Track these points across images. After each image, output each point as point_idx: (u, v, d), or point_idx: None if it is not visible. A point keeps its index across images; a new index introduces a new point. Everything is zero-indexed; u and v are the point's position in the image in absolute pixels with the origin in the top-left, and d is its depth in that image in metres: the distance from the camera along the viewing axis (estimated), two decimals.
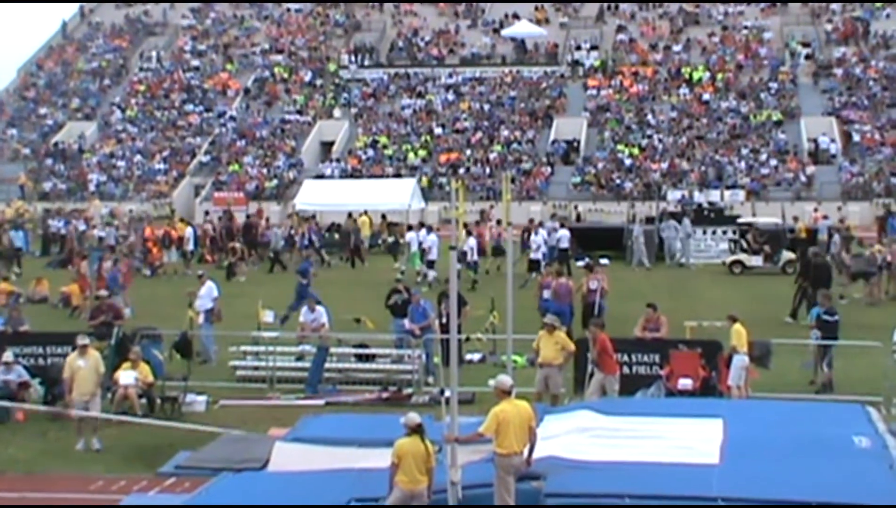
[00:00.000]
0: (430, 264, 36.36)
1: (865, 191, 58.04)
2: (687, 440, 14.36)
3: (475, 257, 36.22)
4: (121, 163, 68.39)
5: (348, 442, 15.42)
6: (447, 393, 13.28)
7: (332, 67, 76.13)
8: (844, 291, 31.69)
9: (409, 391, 21.33)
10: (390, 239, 45.12)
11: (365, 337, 23.61)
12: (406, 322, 22.70)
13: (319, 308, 22.60)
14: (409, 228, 41.07)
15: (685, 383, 19.73)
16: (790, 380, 21.23)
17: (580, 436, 14.65)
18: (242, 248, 40.85)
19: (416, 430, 12.60)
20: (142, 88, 76.76)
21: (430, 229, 38.40)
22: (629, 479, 12.81)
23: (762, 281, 35.77)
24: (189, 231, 41.15)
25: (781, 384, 20.74)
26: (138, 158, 68.77)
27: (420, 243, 37.47)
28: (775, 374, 21.09)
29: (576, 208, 57.06)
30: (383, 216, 47.32)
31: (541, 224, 40.78)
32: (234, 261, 39.14)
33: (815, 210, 49.23)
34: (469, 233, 37.04)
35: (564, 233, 38.70)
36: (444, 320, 21.79)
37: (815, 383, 21.18)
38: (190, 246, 40.79)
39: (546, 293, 25.49)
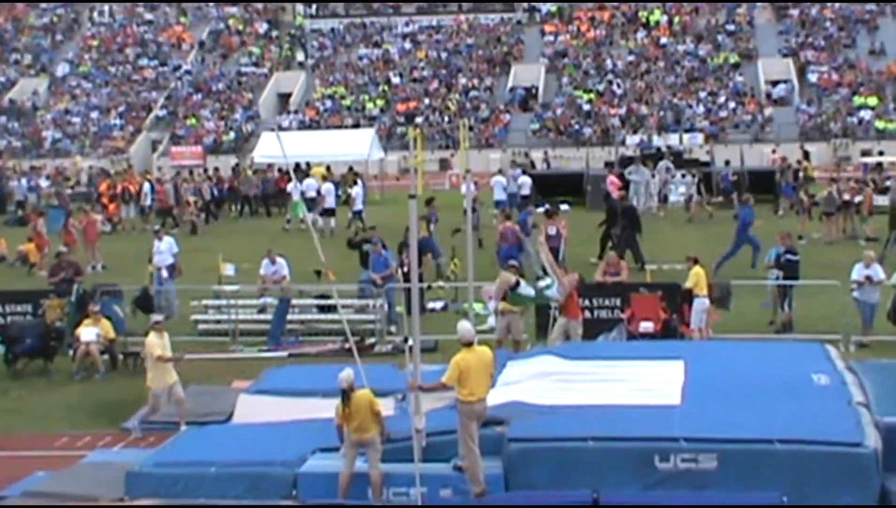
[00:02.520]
0: (328, 213, 36.26)
1: (823, 132, 58.38)
2: (649, 382, 14.45)
3: (360, 205, 35.87)
4: (76, 119, 67.64)
5: (312, 393, 15.43)
6: (410, 342, 13.30)
7: (297, 19, 75.38)
8: (802, 230, 31.92)
9: (373, 340, 21.36)
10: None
11: (326, 289, 23.55)
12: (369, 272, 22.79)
13: (280, 260, 22.57)
14: (290, 179, 40.98)
15: (646, 326, 19.88)
16: (750, 321, 21.45)
17: (543, 381, 14.71)
18: (198, 202, 40.44)
19: (342, 394, 12.67)
20: (95, 42, 75.79)
21: (324, 179, 38.57)
22: (592, 422, 12.89)
23: (721, 224, 35.91)
24: (147, 186, 40.83)
25: (741, 325, 20.95)
26: (94, 114, 68.00)
27: (302, 193, 37.49)
28: (735, 315, 21.30)
29: (526, 155, 56.66)
30: (350, 168, 46.71)
31: (500, 171, 40.68)
32: (190, 217, 38.74)
33: (773, 151, 49.47)
34: (355, 182, 36.89)
35: (526, 180, 38.65)
36: (405, 269, 21.82)
37: (774, 323, 21.38)
38: (147, 201, 40.46)
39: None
